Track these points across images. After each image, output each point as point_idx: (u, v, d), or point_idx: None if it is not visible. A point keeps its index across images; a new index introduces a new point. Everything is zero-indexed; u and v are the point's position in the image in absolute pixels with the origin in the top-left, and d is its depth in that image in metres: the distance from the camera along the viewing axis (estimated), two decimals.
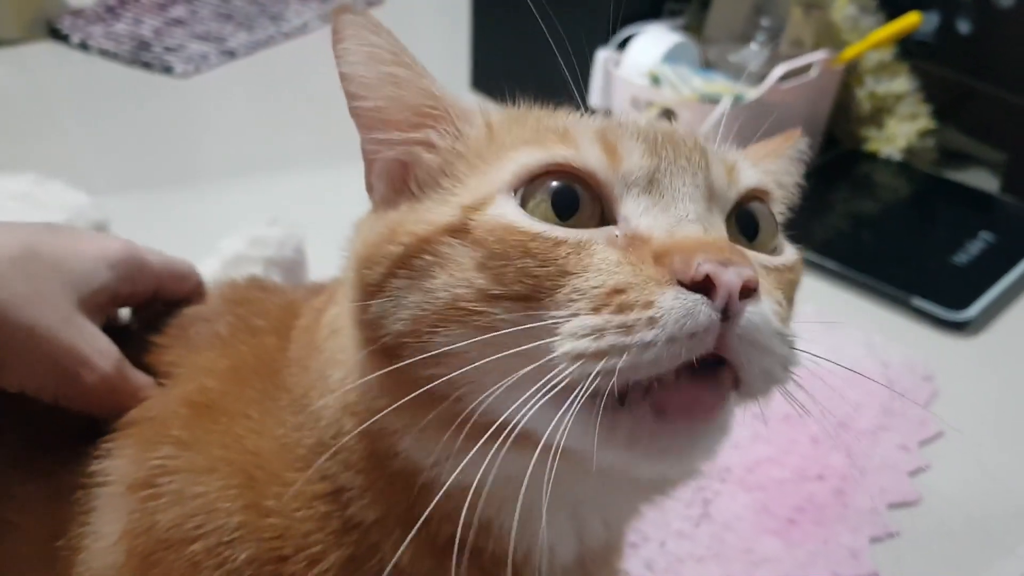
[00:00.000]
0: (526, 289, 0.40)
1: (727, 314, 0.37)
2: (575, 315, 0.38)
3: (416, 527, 0.44)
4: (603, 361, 0.37)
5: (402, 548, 0.46)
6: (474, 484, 0.42)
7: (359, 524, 0.47)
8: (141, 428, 0.52)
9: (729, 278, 0.37)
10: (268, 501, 0.48)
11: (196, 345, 0.56)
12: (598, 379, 0.37)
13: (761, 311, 0.39)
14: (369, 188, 0.49)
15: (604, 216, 0.42)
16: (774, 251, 0.47)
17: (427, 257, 0.42)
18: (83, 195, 1.16)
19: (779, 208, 0.52)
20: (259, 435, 0.49)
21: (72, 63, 1.84)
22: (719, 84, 1.37)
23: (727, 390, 0.40)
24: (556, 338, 0.38)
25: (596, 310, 0.38)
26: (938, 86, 1.52)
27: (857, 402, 1.05)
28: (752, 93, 1.33)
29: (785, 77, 1.34)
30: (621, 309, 0.38)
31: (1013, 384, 1.10)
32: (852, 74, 1.50)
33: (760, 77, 1.36)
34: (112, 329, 0.56)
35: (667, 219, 0.41)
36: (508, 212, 0.41)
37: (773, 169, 0.55)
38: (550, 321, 0.39)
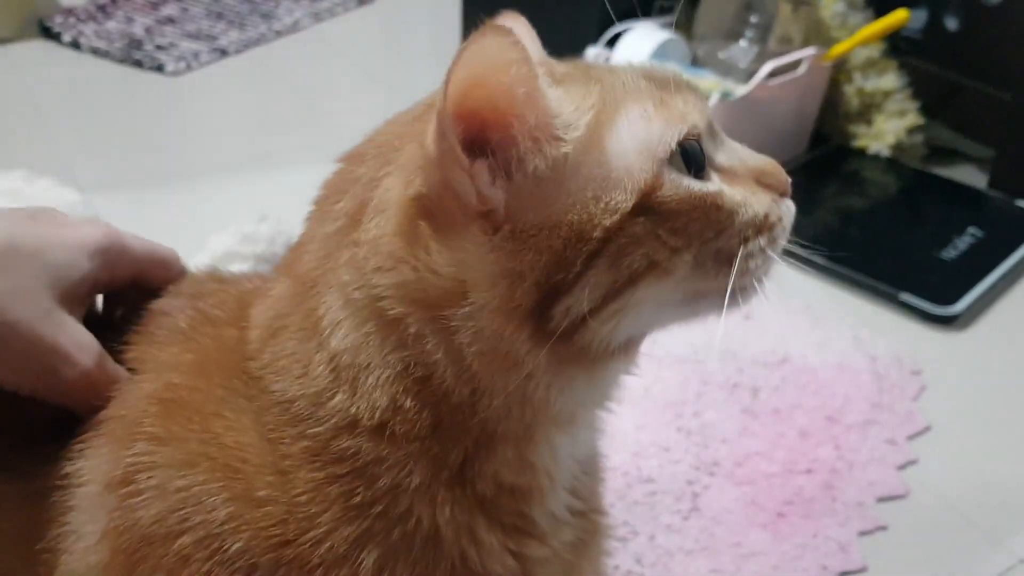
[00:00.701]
0: (713, 233, 0.50)
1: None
2: (747, 239, 0.51)
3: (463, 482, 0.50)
4: (769, 257, 0.52)
5: (440, 510, 0.49)
6: (571, 404, 0.51)
7: (393, 492, 0.48)
8: (112, 426, 0.52)
9: (790, 185, 0.54)
10: (260, 491, 0.48)
11: (158, 340, 0.55)
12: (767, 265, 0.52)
13: None
14: (481, 200, 0.47)
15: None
16: None
17: (621, 241, 0.47)
18: (73, 192, 1.16)
19: None
20: (238, 431, 0.49)
21: (64, 61, 1.84)
22: (708, 81, 1.38)
23: None
24: (739, 257, 0.50)
25: (759, 232, 0.51)
26: (926, 82, 1.52)
27: (845, 396, 1.05)
28: (741, 90, 1.33)
29: (774, 74, 1.35)
30: (772, 227, 0.52)
31: (1000, 378, 1.11)
32: (841, 71, 1.50)
33: (749, 74, 1.37)
34: (87, 320, 0.56)
35: (729, 152, 0.53)
36: (686, 182, 0.49)
37: None
38: (732, 249, 0.50)
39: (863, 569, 0.86)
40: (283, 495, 0.48)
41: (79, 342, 0.53)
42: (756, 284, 0.52)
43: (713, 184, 0.51)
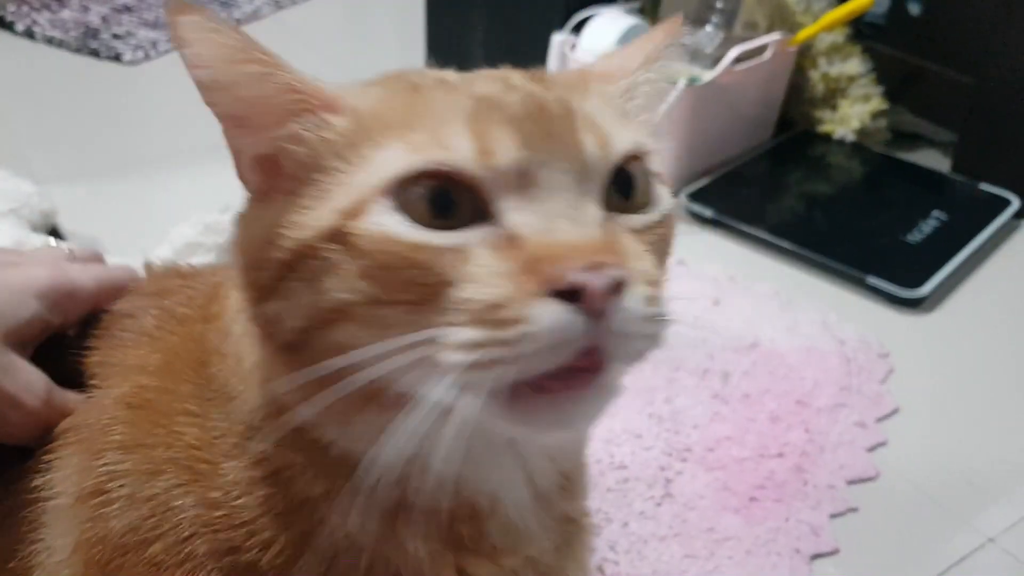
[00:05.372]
0: (413, 297, 0.40)
1: (599, 315, 0.38)
2: (457, 326, 0.39)
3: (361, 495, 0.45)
4: (485, 371, 0.39)
5: (350, 517, 0.46)
6: (401, 452, 0.43)
7: (307, 500, 0.47)
8: (81, 435, 0.51)
9: (599, 284, 0.38)
10: (213, 493, 0.47)
11: (123, 343, 0.54)
12: (482, 386, 0.39)
13: (630, 305, 0.39)
14: (243, 180, 0.47)
15: (484, 211, 0.42)
16: (646, 206, 0.46)
17: (312, 262, 0.42)
18: (29, 184, 1.13)
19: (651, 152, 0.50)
20: (201, 428, 0.48)
21: (18, 51, 1.80)
22: (674, 67, 1.37)
23: (600, 365, 0.40)
24: (441, 347, 0.39)
25: (476, 323, 0.39)
26: (890, 67, 1.53)
27: (815, 380, 1.06)
28: (707, 75, 1.33)
29: (739, 59, 1.35)
30: (499, 325, 0.38)
31: (967, 360, 1.12)
32: (805, 56, 1.51)
33: (715, 59, 1.36)
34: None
35: (539, 216, 0.41)
36: (386, 221, 0.41)
37: (649, 78, 0.52)
38: (436, 329, 0.40)
39: (835, 551, 0.86)
40: (227, 497, 0.47)
41: (26, 384, 0.52)
42: (468, 393, 0.39)
43: (436, 238, 0.41)
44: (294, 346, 0.43)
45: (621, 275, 0.39)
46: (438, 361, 0.39)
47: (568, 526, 0.53)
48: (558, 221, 0.41)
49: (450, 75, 0.47)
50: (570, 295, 0.38)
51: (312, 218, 0.42)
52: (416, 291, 0.40)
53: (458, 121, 0.42)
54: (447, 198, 0.41)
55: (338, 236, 0.41)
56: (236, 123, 0.45)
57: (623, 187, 0.45)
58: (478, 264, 0.40)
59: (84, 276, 0.57)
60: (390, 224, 0.41)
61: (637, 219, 0.45)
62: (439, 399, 0.39)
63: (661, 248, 0.46)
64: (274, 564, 0.46)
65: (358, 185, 0.42)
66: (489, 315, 0.39)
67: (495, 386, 0.39)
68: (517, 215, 0.41)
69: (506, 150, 0.41)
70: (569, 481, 0.53)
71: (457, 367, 0.39)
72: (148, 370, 0.51)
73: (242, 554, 0.46)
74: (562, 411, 0.41)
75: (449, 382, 0.39)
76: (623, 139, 0.45)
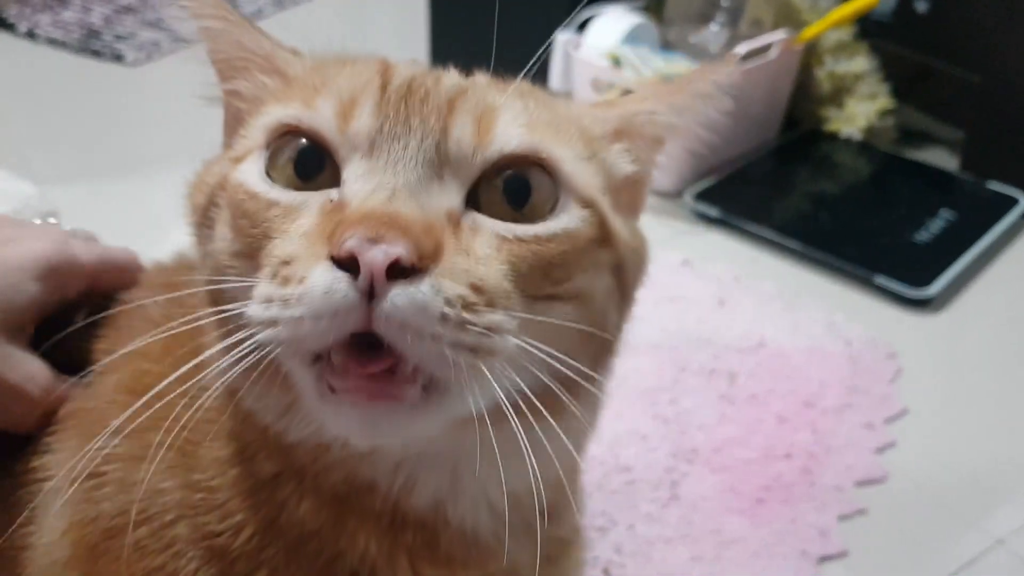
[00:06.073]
0: (245, 248, 0.41)
1: (368, 292, 0.37)
2: (262, 280, 0.40)
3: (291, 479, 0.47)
4: (267, 331, 0.38)
5: (303, 502, 0.47)
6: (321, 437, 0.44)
7: (267, 480, 0.47)
8: (80, 419, 0.51)
9: (371, 257, 0.36)
10: (195, 475, 0.47)
11: (130, 332, 0.53)
12: (261, 348, 0.38)
13: (413, 293, 0.37)
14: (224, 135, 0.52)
15: (340, 176, 0.42)
16: (540, 220, 0.43)
17: (213, 209, 0.44)
18: (30, 185, 1.13)
19: (630, 156, 0.50)
20: (193, 408, 0.48)
21: (19, 52, 1.80)
22: (680, 65, 1.37)
23: (406, 377, 0.39)
24: (251, 300, 0.40)
25: (272, 278, 0.39)
26: (897, 65, 1.52)
27: (821, 380, 1.05)
28: None
29: (745, 57, 1.34)
30: (284, 281, 0.38)
31: (976, 360, 1.11)
32: (812, 54, 1.50)
33: (720, 58, 1.35)
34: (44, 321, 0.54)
35: (368, 186, 0.40)
36: (247, 170, 0.43)
37: (649, 109, 0.50)
38: (253, 282, 0.40)
39: (843, 553, 0.85)
40: (205, 478, 0.47)
41: (28, 374, 0.51)
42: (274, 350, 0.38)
43: (271, 192, 0.42)
44: (215, 299, 0.44)
45: (403, 255, 0.36)
46: (246, 314, 0.39)
47: (554, 544, 0.52)
48: (379, 192, 0.40)
49: (380, 59, 0.48)
50: (350, 265, 0.36)
51: (221, 166, 0.46)
52: (247, 242, 0.41)
53: (337, 90, 0.43)
54: (312, 161, 0.42)
55: (225, 183, 0.44)
56: (217, 76, 0.50)
57: (517, 195, 0.43)
58: (300, 223, 0.40)
59: (85, 251, 0.56)
60: (247, 172, 0.43)
61: (509, 227, 0.42)
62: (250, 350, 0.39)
63: (536, 265, 0.42)
64: (245, 550, 0.46)
65: (248, 137, 0.45)
66: (280, 271, 0.39)
67: (289, 350, 0.38)
68: (355, 182, 0.41)
69: (361, 117, 0.42)
70: (553, 508, 0.51)
71: (253, 320, 0.39)
72: (150, 356, 0.51)
73: (216, 538, 0.46)
74: (361, 418, 0.39)
75: (248, 336, 0.39)
76: (510, 137, 0.43)
